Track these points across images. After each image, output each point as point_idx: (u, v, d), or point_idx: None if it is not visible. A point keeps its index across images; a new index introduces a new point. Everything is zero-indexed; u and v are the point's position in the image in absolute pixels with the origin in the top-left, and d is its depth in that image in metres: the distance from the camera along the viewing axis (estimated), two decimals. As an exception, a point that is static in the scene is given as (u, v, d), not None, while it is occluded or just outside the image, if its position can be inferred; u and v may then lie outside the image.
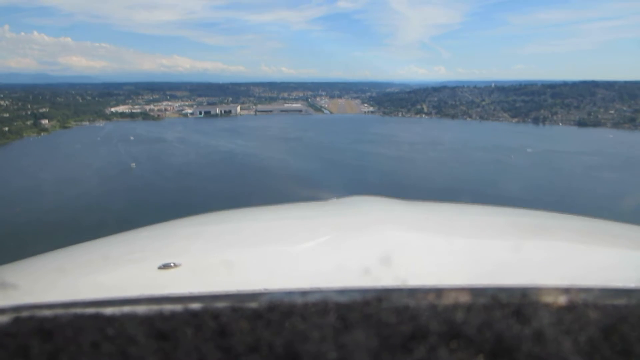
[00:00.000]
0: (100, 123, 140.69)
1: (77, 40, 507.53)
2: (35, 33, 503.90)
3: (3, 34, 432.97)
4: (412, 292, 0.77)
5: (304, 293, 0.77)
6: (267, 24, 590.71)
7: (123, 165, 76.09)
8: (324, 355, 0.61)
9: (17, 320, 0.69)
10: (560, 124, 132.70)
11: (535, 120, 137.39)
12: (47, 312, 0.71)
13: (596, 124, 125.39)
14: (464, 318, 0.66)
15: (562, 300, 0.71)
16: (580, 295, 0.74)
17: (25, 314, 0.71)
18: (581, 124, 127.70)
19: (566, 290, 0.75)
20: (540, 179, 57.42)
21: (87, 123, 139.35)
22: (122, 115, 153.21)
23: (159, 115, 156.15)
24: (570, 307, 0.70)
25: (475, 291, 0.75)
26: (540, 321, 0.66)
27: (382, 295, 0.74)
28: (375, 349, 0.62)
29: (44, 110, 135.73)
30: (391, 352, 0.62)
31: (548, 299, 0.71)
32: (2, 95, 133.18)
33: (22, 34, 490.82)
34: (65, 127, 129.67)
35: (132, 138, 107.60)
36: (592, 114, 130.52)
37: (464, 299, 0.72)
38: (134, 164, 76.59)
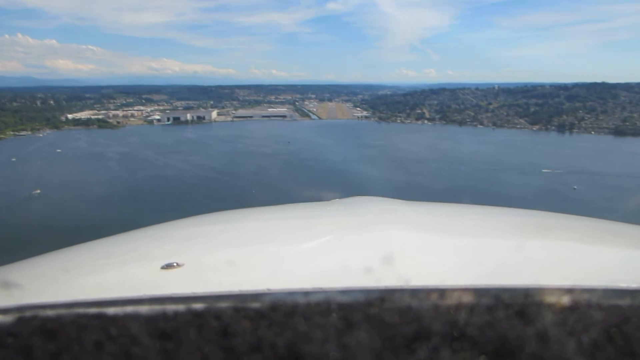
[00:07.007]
0: (44, 132, 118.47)
1: (63, 42, 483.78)
2: (20, 35, 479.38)
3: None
4: (415, 292, 0.77)
5: (306, 293, 0.77)
6: (256, 26, 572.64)
7: (22, 193, 54.69)
8: (327, 356, 0.63)
9: (20, 320, 0.70)
10: (593, 133, 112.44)
11: (561, 128, 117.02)
12: (50, 312, 0.72)
13: (636, 132, 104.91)
14: (467, 319, 0.67)
15: (565, 300, 0.71)
16: (584, 295, 0.74)
17: (28, 313, 0.72)
18: (618, 132, 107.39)
19: (569, 291, 0.74)
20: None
21: (29, 133, 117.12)
22: (77, 122, 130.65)
23: (119, 123, 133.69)
24: (574, 308, 0.70)
25: (478, 291, 0.75)
26: (543, 322, 0.66)
27: (384, 296, 0.74)
28: (378, 350, 0.64)
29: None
30: (394, 352, 0.64)
31: (551, 299, 0.71)
32: None
33: (6, 36, 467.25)
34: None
35: (59, 151, 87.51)
36: (628, 120, 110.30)
37: (467, 299, 0.72)
38: (38, 191, 56.68)
